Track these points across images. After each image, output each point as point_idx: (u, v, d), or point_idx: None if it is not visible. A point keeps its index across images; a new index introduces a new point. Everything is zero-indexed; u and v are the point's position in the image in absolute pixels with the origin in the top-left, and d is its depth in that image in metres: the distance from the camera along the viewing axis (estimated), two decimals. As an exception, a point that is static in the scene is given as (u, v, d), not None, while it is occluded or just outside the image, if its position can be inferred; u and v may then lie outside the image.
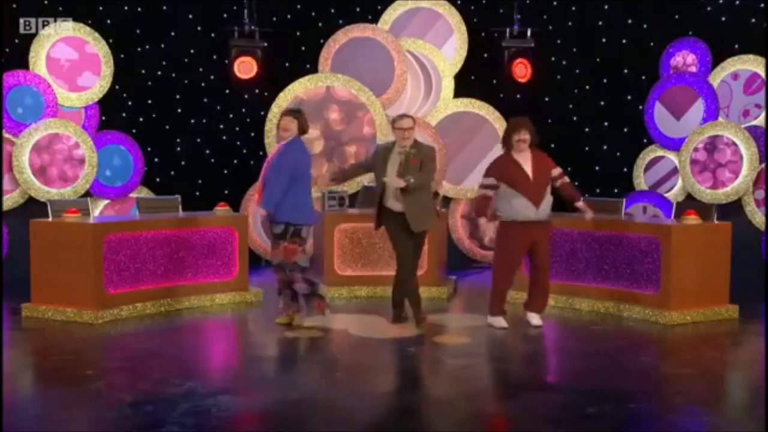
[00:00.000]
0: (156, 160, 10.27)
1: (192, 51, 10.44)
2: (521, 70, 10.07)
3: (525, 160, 6.67)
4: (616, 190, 10.08)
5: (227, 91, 10.47)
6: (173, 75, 10.39)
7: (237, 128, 10.62)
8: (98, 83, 9.29)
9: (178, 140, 10.55)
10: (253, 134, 10.41)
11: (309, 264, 6.62)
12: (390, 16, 10.10)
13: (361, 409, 4.62)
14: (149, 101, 10.37)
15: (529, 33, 10.11)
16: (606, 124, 10.62)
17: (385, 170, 6.46)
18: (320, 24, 10.48)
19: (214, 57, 10.40)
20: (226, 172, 10.58)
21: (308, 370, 5.60)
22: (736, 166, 9.23)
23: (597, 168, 10.59)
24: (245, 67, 9.89)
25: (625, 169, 10.28)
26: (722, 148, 9.27)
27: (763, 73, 9.31)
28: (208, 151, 10.65)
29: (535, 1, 10.43)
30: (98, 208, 9.30)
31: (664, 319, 6.82)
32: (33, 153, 8.82)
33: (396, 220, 6.48)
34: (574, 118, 10.69)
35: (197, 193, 10.35)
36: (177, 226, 7.45)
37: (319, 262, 8.46)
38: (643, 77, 10.20)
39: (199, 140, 10.60)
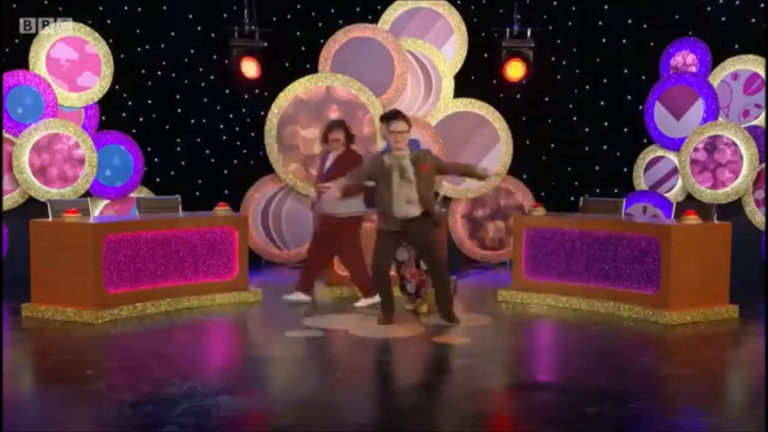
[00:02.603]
0: (156, 160, 10.27)
1: (192, 51, 10.45)
2: (515, 71, 10.05)
3: (330, 159, 7.39)
4: (616, 190, 10.09)
5: (227, 91, 10.48)
6: (173, 75, 10.40)
7: (237, 128, 10.63)
8: (98, 83, 9.29)
9: (178, 140, 10.56)
10: (253, 134, 10.41)
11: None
12: (390, 16, 10.09)
13: (362, 409, 4.62)
14: (149, 101, 10.38)
15: (529, 33, 10.10)
16: (606, 124, 10.62)
17: (391, 180, 6.40)
18: (320, 24, 10.48)
19: (214, 57, 10.40)
20: (226, 172, 10.58)
21: (308, 370, 5.60)
22: (736, 166, 9.23)
23: (597, 168, 10.59)
24: (250, 68, 9.91)
25: (625, 169, 10.28)
26: (722, 148, 9.27)
27: (763, 73, 9.31)
28: (208, 151, 10.65)
29: (535, 1, 10.42)
30: (98, 208, 9.30)
31: (664, 319, 6.81)
32: (33, 153, 8.82)
33: (408, 227, 6.49)
34: (574, 118, 10.69)
35: (197, 193, 10.35)
36: (177, 226, 7.45)
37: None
38: (643, 77, 10.20)
39: (199, 140, 10.60)
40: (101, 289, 6.79)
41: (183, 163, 10.57)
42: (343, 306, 7.53)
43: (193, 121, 10.56)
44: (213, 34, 10.38)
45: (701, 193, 9.37)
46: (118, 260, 6.93)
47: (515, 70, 10.05)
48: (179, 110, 10.49)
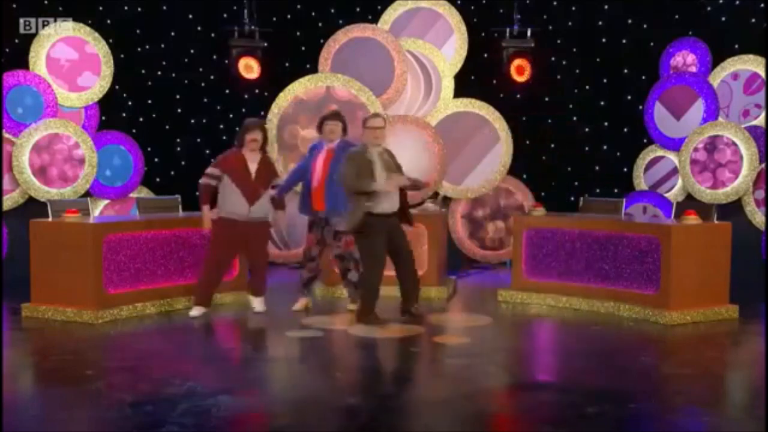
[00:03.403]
0: (156, 160, 10.28)
1: (192, 51, 10.45)
2: (521, 70, 10.08)
3: (252, 160, 7.07)
4: (616, 190, 10.09)
5: (227, 91, 10.48)
6: (173, 75, 10.41)
7: (237, 128, 10.57)
8: (98, 83, 9.29)
9: (178, 140, 10.56)
10: (253, 134, 10.40)
11: None
12: (390, 16, 10.09)
13: (361, 409, 4.62)
14: (149, 101, 10.38)
15: (529, 33, 10.10)
16: (606, 124, 10.63)
17: (373, 175, 6.49)
18: (320, 24, 10.48)
19: (214, 57, 10.40)
20: (226, 172, 10.57)
21: (308, 370, 5.60)
22: (736, 166, 9.23)
23: (597, 168, 10.60)
24: (249, 68, 9.91)
25: (625, 169, 10.29)
26: (722, 148, 9.27)
27: (763, 73, 9.31)
28: (208, 151, 10.64)
29: (535, 1, 10.43)
30: (98, 208, 9.30)
31: (664, 319, 6.81)
32: (33, 153, 8.82)
33: (386, 223, 6.55)
34: (574, 118, 10.69)
35: (197, 193, 10.32)
36: (177, 226, 7.45)
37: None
38: (643, 77, 10.20)
39: (199, 140, 10.60)
40: (101, 289, 6.79)
41: (183, 163, 10.57)
42: (345, 306, 7.52)
43: (193, 121, 10.56)
44: (213, 34, 10.38)
45: (701, 193, 9.37)
46: (118, 260, 6.93)
47: (521, 70, 10.06)
48: (179, 110, 10.49)
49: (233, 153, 7.12)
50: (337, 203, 6.88)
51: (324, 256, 7.46)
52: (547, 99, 10.62)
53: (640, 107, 10.02)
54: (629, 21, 10.34)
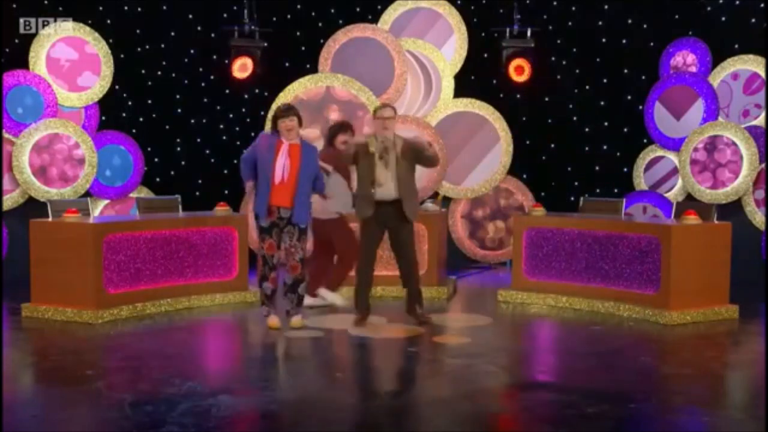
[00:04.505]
0: (156, 160, 10.27)
1: (192, 51, 10.44)
2: (521, 70, 10.07)
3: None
4: (616, 190, 10.09)
5: (227, 91, 10.47)
6: (173, 75, 10.40)
7: (237, 128, 10.63)
8: (98, 83, 9.29)
9: (178, 140, 10.55)
10: (253, 134, 10.38)
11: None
12: (390, 16, 10.09)
13: (361, 409, 4.62)
14: (149, 101, 10.38)
15: (529, 33, 10.10)
16: (606, 124, 10.62)
17: (373, 162, 6.48)
18: (320, 24, 10.48)
19: (214, 57, 10.39)
20: (226, 172, 10.58)
21: (308, 370, 5.60)
22: (736, 166, 9.23)
23: (597, 168, 10.59)
24: (242, 68, 9.89)
25: (625, 169, 10.28)
26: (722, 148, 9.27)
27: (763, 73, 9.31)
28: (208, 151, 10.65)
29: (535, 1, 10.43)
30: (98, 208, 9.30)
31: (664, 319, 6.82)
32: (33, 153, 8.82)
33: (383, 212, 6.51)
34: (574, 118, 10.68)
35: (197, 193, 10.35)
36: (177, 226, 7.45)
37: (319, 262, 8.45)
38: (643, 77, 10.19)
39: (199, 140, 10.60)
40: (101, 289, 6.79)
41: (183, 163, 10.57)
42: (345, 307, 7.52)
43: (193, 121, 10.56)
44: (213, 34, 10.38)
45: (701, 193, 9.36)
46: (118, 260, 6.94)
47: (521, 70, 10.06)
48: (179, 110, 10.49)
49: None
50: (304, 202, 6.44)
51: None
52: (547, 99, 10.62)
53: (640, 107, 10.01)
54: (629, 21, 10.33)
